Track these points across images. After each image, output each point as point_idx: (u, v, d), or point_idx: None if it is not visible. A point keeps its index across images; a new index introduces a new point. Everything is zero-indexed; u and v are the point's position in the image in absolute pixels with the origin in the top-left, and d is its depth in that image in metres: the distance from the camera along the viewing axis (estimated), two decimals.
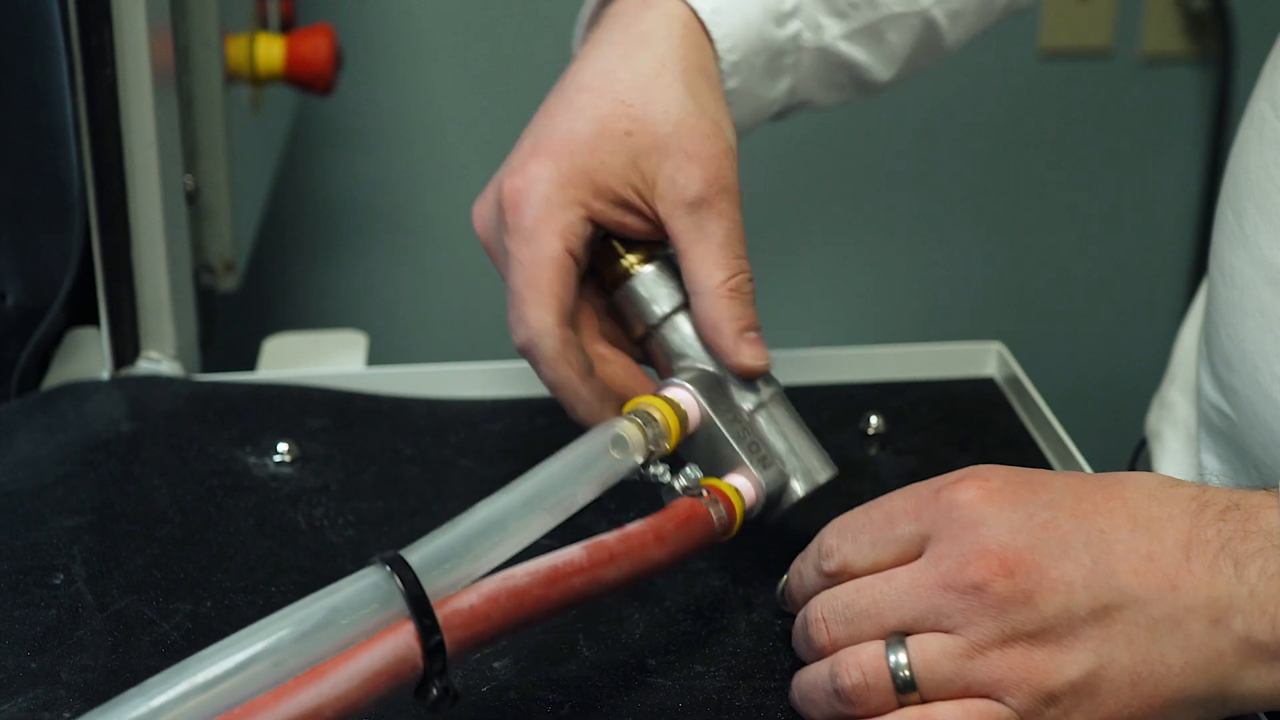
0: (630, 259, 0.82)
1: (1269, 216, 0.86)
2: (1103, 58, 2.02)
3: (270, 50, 1.27)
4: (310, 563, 0.83)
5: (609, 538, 0.69)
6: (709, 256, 0.79)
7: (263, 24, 1.36)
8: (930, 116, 1.96)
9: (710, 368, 0.80)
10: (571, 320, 0.80)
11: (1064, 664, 0.64)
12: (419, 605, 0.62)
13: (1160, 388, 1.07)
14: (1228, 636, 0.64)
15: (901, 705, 0.67)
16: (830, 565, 0.71)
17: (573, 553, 0.67)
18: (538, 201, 0.80)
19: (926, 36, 0.96)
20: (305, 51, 1.28)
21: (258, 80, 1.28)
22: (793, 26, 0.89)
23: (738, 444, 0.78)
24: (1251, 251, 0.87)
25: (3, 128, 0.98)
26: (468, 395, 1.00)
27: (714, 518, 0.74)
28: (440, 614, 0.62)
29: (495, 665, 0.75)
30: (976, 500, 0.67)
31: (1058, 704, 0.65)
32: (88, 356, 1.04)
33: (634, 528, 0.70)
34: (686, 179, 0.80)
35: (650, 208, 0.80)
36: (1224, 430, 0.92)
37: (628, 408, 0.77)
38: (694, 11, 0.85)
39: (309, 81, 1.29)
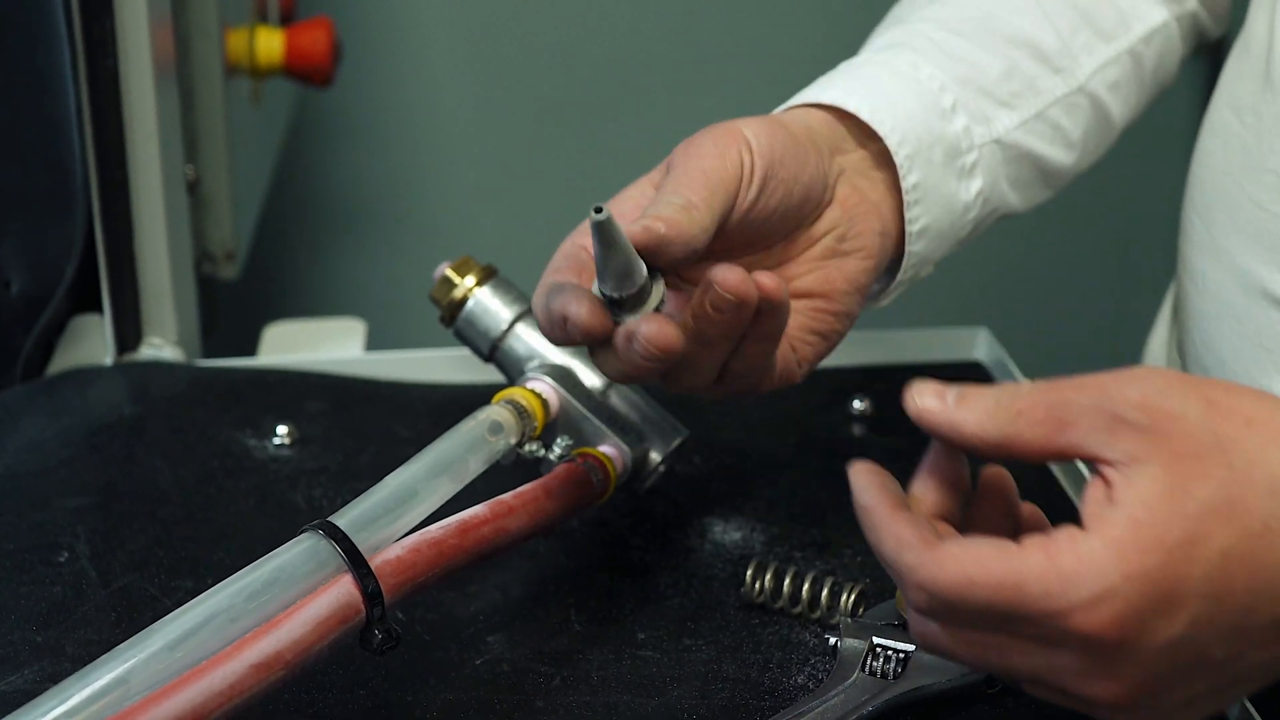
0: (465, 284, 0.89)
1: (1240, 225, 0.86)
2: None
3: (270, 43, 1.28)
4: None
5: (507, 496, 0.76)
6: (671, 184, 0.76)
7: (262, 17, 1.37)
8: None
9: (559, 360, 0.87)
10: None
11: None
12: (354, 557, 0.68)
13: None
14: None
15: None
16: (930, 645, 0.65)
17: (478, 509, 0.75)
18: None
19: (1095, 115, 0.95)
20: (305, 44, 1.29)
21: (258, 72, 1.30)
22: (959, 121, 0.86)
23: (597, 418, 0.84)
24: (1224, 260, 0.87)
25: (6, 118, 1.00)
26: (463, 380, 1.02)
27: (591, 476, 0.81)
28: (372, 565, 0.69)
29: (489, 639, 0.77)
30: (1110, 641, 0.60)
31: None
32: (91, 343, 1.06)
33: (526, 488, 0.78)
34: (711, 140, 0.78)
35: None
36: None
37: (496, 399, 0.83)
38: (853, 115, 0.83)
39: (308, 74, 1.31)
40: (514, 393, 0.84)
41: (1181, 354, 0.93)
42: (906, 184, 0.83)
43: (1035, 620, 0.60)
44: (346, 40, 1.39)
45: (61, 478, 0.90)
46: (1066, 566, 0.59)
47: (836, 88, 0.84)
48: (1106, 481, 0.61)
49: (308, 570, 0.67)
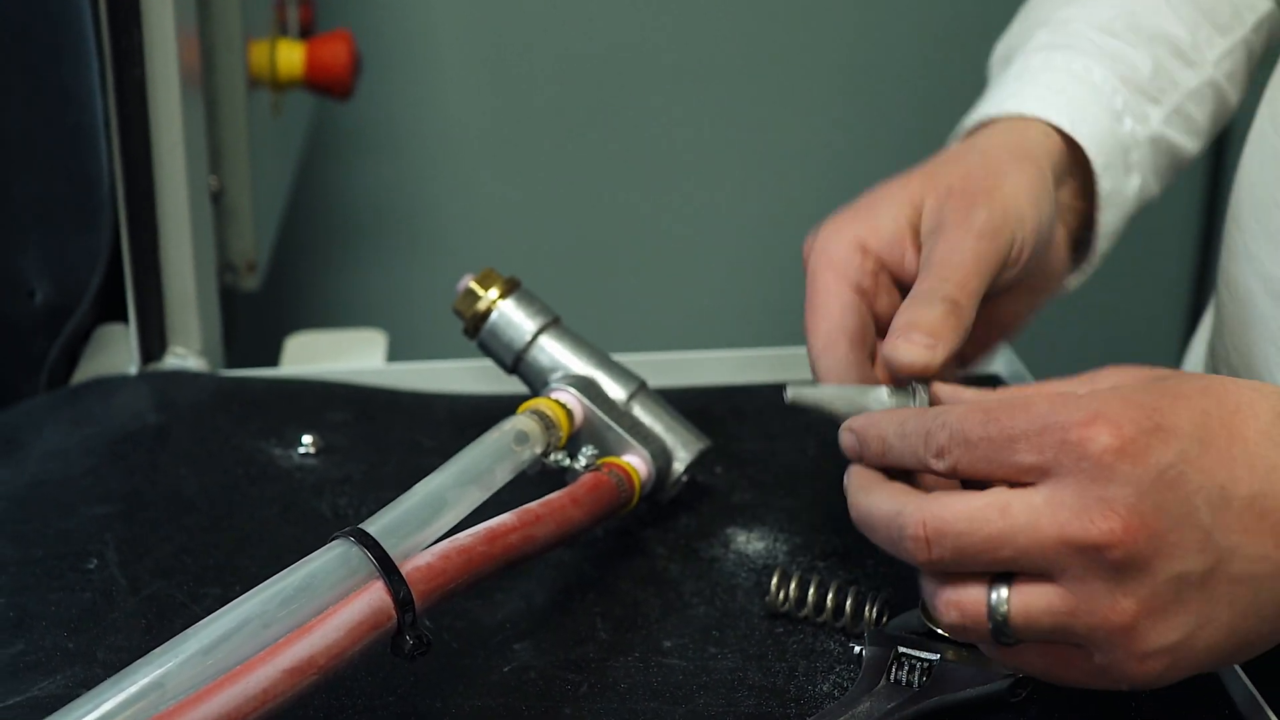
0: (489, 297, 0.90)
1: (1270, 233, 0.87)
2: None
3: (291, 55, 1.29)
4: None
5: (534, 505, 0.77)
6: (942, 269, 0.79)
7: (282, 30, 1.38)
8: (937, 124, 1.98)
9: (582, 371, 0.88)
10: None
11: (1164, 629, 0.64)
12: (385, 564, 0.69)
13: None
14: None
15: (998, 642, 0.68)
16: (939, 465, 0.68)
17: (506, 518, 0.75)
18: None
19: (1217, 104, 1.00)
20: (325, 57, 1.30)
21: (278, 85, 1.31)
22: (1127, 123, 0.93)
23: (621, 428, 0.85)
24: (1255, 266, 0.89)
25: (34, 128, 1.01)
26: (486, 391, 1.03)
27: (616, 485, 0.82)
28: (403, 571, 0.69)
29: (516, 647, 0.78)
30: (1108, 451, 0.63)
31: (1150, 660, 0.65)
32: (116, 352, 1.07)
33: (553, 496, 0.79)
34: (987, 216, 0.81)
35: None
36: None
37: (521, 409, 0.84)
38: (1055, 127, 0.89)
39: (328, 86, 1.32)
40: (539, 403, 0.84)
41: (1214, 359, 0.95)
42: (1103, 191, 0.91)
43: (1037, 434, 0.64)
44: (364, 53, 1.40)
45: (87, 486, 0.91)
46: (1070, 395, 0.65)
47: (1034, 99, 0.90)
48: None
49: (340, 577, 0.68)
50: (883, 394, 0.75)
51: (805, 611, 0.80)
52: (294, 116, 1.45)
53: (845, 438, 0.73)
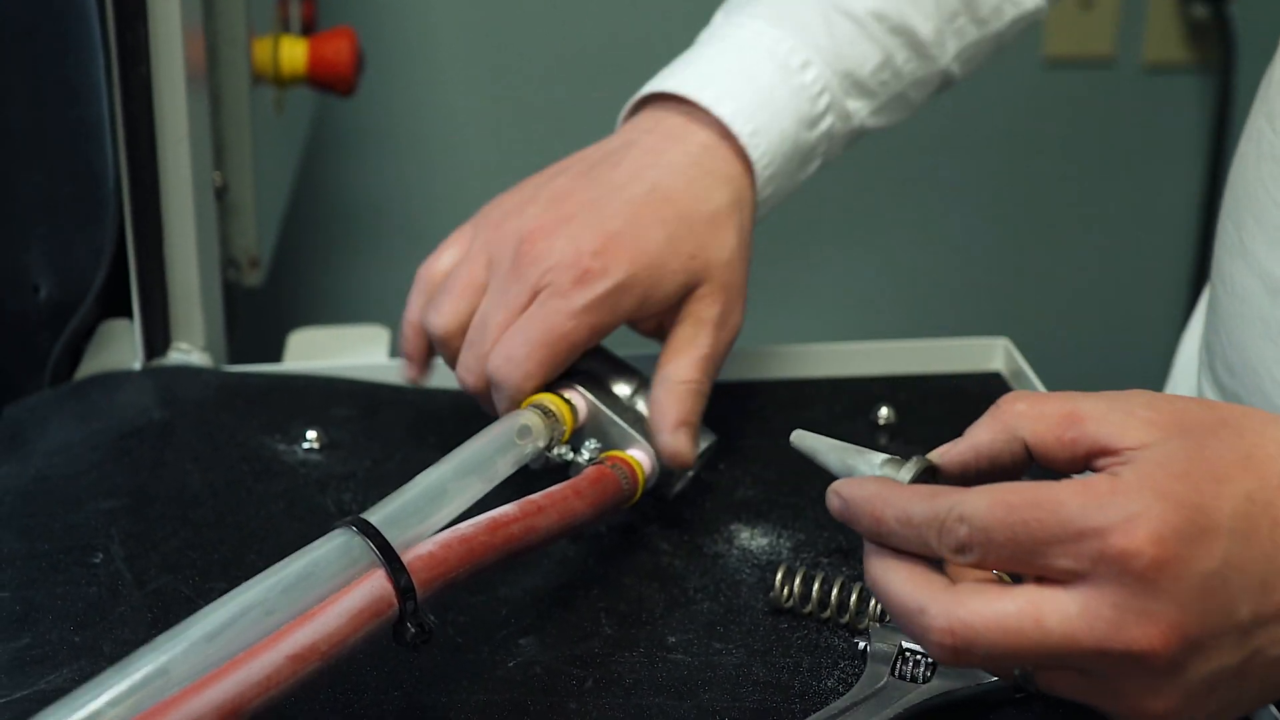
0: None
1: (1266, 228, 0.88)
2: (1105, 66, 2.05)
3: (294, 52, 1.29)
4: None
5: (536, 496, 0.77)
6: (693, 360, 0.87)
7: (285, 26, 1.38)
8: (938, 123, 1.99)
9: (586, 367, 0.88)
10: None
11: (1193, 713, 0.63)
12: (387, 553, 0.69)
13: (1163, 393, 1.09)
14: None
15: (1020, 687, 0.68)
16: (963, 560, 0.64)
17: (508, 508, 0.75)
18: (602, 293, 0.85)
19: (941, 84, 1.02)
20: (328, 54, 1.30)
21: (281, 81, 1.31)
22: (824, 124, 0.94)
23: (625, 423, 0.86)
24: (1250, 262, 0.89)
25: (39, 123, 1.01)
26: None
27: (619, 478, 0.82)
28: (404, 560, 0.69)
29: (521, 642, 0.78)
30: (1150, 566, 0.59)
31: None
32: (120, 348, 1.07)
33: (555, 488, 0.79)
34: (720, 309, 0.89)
35: (663, 313, 0.89)
36: None
37: (525, 404, 0.85)
38: (734, 136, 0.90)
39: (331, 83, 1.32)
40: (543, 398, 0.85)
41: (1210, 354, 0.95)
42: (760, 197, 0.92)
43: (1072, 540, 0.60)
44: (367, 50, 1.40)
45: (92, 480, 0.91)
46: (1102, 489, 0.61)
47: (720, 86, 0.91)
48: (1122, 461, 0.62)
49: (341, 565, 0.68)
50: (875, 461, 0.73)
51: (809, 607, 0.80)
52: (297, 113, 1.45)
53: (832, 501, 0.70)
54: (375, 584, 0.68)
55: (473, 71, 1.94)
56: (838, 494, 0.69)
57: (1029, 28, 1.05)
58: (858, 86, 0.95)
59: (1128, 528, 0.60)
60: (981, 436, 0.68)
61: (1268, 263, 0.87)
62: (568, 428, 0.85)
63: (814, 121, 0.93)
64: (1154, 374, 1.18)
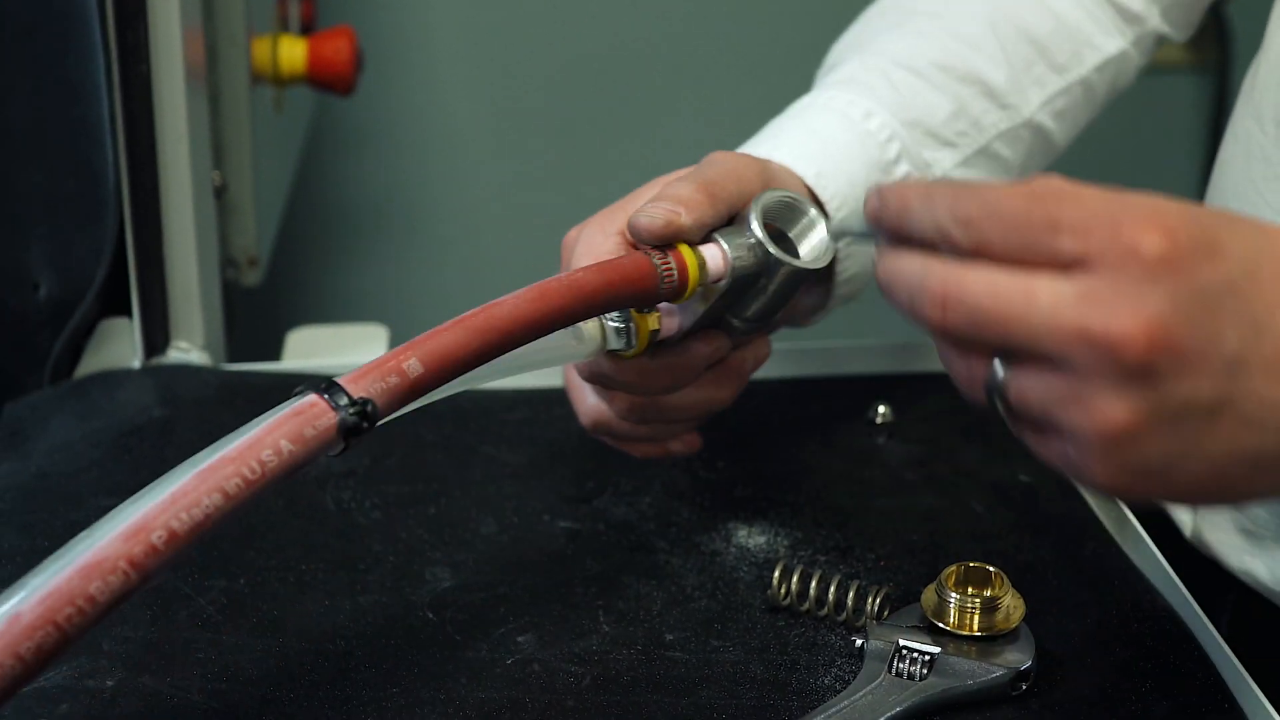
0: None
1: None
2: None
3: (293, 51, 1.30)
4: (339, 542, 0.86)
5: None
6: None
7: (284, 26, 1.39)
8: None
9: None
10: None
11: (1148, 450, 0.61)
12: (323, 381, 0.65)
13: None
14: None
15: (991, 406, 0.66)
16: (965, 241, 0.63)
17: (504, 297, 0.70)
18: None
19: (1037, 143, 0.99)
20: (327, 53, 1.31)
21: (280, 81, 1.31)
22: (900, 171, 0.92)
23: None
24: None
25: (40, 122, 1.01)
26: (486, 386, 1.03)
27: (651, 265, 0.74)
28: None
29: (519, 639, 0.78)
30: (1157, 260, 0.59)
31: (1120, 474, 0.62)
32: (119, 346, 1.08)
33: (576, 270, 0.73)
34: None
35: None
36: None
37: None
38: (799, 179, 0.88)
39: (330, 82, 1.32)
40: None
41: None
42: (840, 245, 0.87)
43: (1084, 224, 0.60)
44: (366, 50, 1.40)
45: (93, 478, 0.91)
46: (1124, 195, 0.61)
47: (788, 145, 0.89)
48: None
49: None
50: None
51: (807, 605, 0.80)
52: (296, 112, 1.45)
53: (870, 200, 0.67)
54: (304, 398, 0.64)
55: (471, 71, 1.94)
56: (875, 192, 0.67)
57: (1124, 79, 1.03)
58: (932, 136, 0.94)
59: (1143, 221, 0.60)
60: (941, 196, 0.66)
61: None
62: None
63: (886, 168, 0.91)
64: None
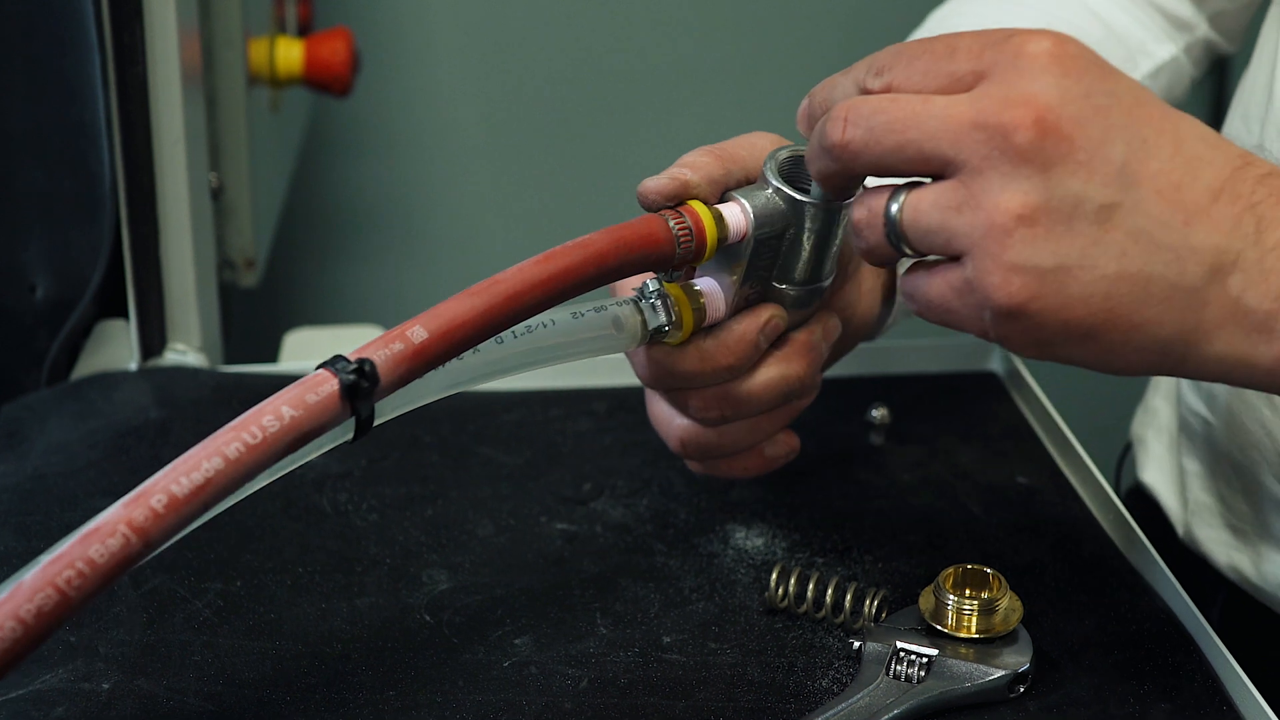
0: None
1: None
2: None
3: (290, 53, 1.30)
4: (336, 544, 0.86)
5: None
6: None
7: (281, 27, 1.39)
8: None
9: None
10: None
11: (1040, 246, 0.62)
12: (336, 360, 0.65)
13: (1145, 395, 1.09)
14: (1219, 289, 0.62)
15: (894, 248, 0.67)
16: (876, 82, 0.66)
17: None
18: None
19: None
20: (324, 54, 1.31)
21: (277, 82, 1.31)
22: None
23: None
24: None
25: (37, 123, 1.01)
26: (484, 386, 1.03)
27: (670, 224, 0.73)
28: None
29: (516, 642, 0.78)
30: (1044, 54, 0.62)
31: (1015, 277, 0.62)
32: (116, 347, 1.07)
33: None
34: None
35: None
36: (1203, 434, 0.95)
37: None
38: None
39: (327, 83, 1.32)
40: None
41: None
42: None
43: (979, 45, 0.63)
44: (363, 51, 1.40)
45: (89, 479, 0.91)
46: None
47: None
48: None
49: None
50: None
51: (804, 607, 0.80)
52: (293, 113, 1.45)
53: (801, 107, 0.71)
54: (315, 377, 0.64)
55: (469, 72, 1.94)
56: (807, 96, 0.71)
57: (1179, 88, 1.03)
58: None
59: (1038, 32, 0.63)
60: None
61: None
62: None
63: None
64: (1138, 382, 1.18)
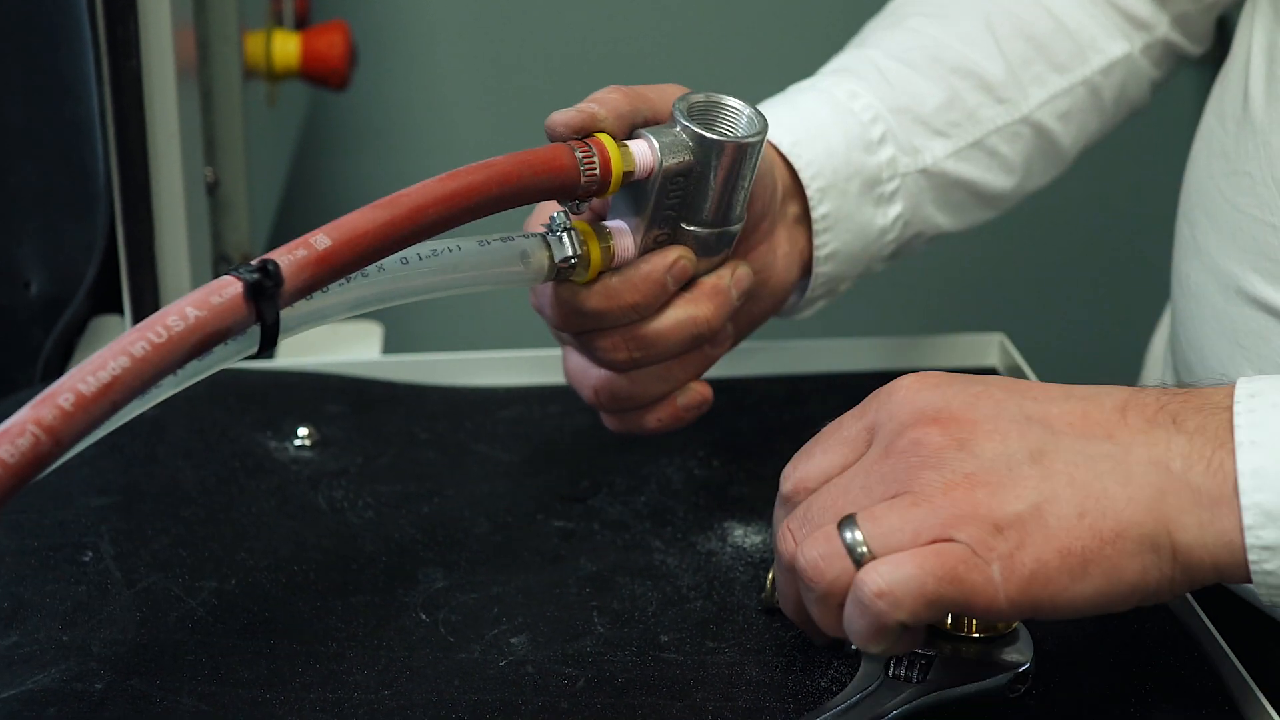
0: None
1: (1218, 225, 0.88)
2: None
3: (287, 46, 1.29)
4: (331, 542, 0.85)
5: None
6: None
7: (278, 20, 1.38)
8: None
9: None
10: None
11: (1007, 499, 0.65)
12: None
13: None
14: (1167, 476, 0.65)
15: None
16: (787, 487, 0.72)
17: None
18: None
19: (1040, 143, 0.99)
20: (321, 48, 1.30)
21: (274, 76, 1.30)
22: (885, 153, 0.92)
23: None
24: (1204, 260, 0.89)
25: (31, 119, 1.01)
26: (481, 383, 1.02)
27: (576, 154, 0.75)
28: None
29: (513, 641, 0.78)
30: (912, 381, 0.69)
31: (1006, 536, 0.65)
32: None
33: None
34: None
35: None
36: None
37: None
38: (774, 147, 0.89)
39: (324, 77, 1.32)
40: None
41: (1173, 354, 0.95)
42: (815, 214, 0.89)
43: (853, 416, 0.71)
44: (360, 44, 1.39)
45: (84, 477, 0.90)
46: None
47: (772, 120, 0.88)
48: None
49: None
50: None
51: None
52: (289, 108, 1.44)
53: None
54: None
55: (467, 66, 1.93)
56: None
57: (1136, 89, 1.02)
58: (921, 123, 0.93)
59: (898, 379, 0.71)
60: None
61: (1221, 260, 0.87)
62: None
63: (869, 147, 0.91)
64: (1140, 369, 1.18)
